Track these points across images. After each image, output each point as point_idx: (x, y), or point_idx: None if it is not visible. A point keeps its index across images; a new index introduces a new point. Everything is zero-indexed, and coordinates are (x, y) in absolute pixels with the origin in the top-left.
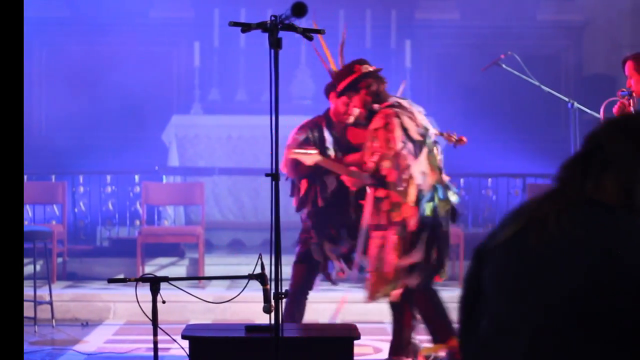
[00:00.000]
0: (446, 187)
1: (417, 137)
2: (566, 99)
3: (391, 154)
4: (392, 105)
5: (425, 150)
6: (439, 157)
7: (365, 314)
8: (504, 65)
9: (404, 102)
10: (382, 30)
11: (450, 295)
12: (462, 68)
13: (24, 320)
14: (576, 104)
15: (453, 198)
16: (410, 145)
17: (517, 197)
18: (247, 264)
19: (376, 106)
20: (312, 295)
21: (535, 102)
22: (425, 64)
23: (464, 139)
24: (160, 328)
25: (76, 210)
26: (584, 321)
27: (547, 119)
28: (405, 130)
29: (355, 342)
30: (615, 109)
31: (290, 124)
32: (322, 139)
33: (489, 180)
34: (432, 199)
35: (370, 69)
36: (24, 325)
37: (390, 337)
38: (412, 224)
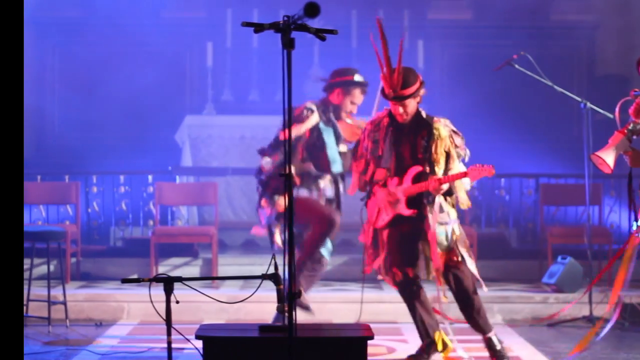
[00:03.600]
0: None
1: None
2: (579, 99)
3: None
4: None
5: None
6: None
7: (378, 314)
8: (516, 66)
9: None
10: (394, 31)
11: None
12: (474, 68)
13: (38, 320)
14: (589, 104)
15: None
16: None
17: (530, 197)
18: (260, 264)
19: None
20: (326, 295)
21: (548, 102)
22: (438, 64)
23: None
24: (174, 328)
25: (90, 210)
26: None
27: (560, 119)
28: None
29: (369, 342)
30: (631, 110)
31: None
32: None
33: (502, 180)
34: None
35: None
36: (37, 325)
37: (403, 337)
38: None
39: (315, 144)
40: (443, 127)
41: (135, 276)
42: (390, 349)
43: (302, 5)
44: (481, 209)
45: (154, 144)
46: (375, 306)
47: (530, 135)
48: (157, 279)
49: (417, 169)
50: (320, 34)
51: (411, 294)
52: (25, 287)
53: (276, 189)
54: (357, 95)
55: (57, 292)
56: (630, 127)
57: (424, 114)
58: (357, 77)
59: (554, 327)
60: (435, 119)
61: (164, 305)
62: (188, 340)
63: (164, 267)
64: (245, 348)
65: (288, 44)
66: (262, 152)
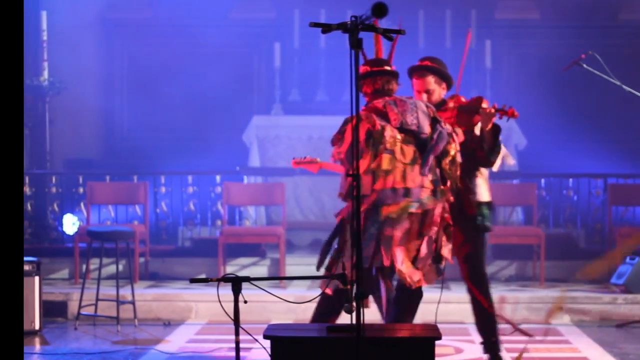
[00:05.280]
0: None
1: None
2: None
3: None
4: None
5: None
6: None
7: (446, 314)
8: (584, 65)
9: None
10: (462, 31)
11: (531, 296)
12: (542, 68)
13: (107, 320)
14: None
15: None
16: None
17: (598, 197)
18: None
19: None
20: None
21: (616, 102)
22: (506, 64)
23: (516, 113)
24: (242, 328)
25: (158, 210)
26: None
27: (629, 119)
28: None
29: (436, 342)
30: None
31: None
32: None
33: (570, 180)
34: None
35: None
36: (106, 324)
37: (470, 337)
38: None
39: None
40: None
41: (203, 276)
42: (457, 349)
43: (370, 5)
44: (549, 209)
45: (222, 144)
46: (442, 306)
47: (599, 135)
48: (225, 279)
49: None
50: (387, 34)
51: None
52: (95, 286)
53: None
54: None
55: (125, 292)
56: None
57: None
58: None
59: (623, 328)
60: None
61: (231, 305)
62: (256, 340)
63: (232, 267)
64: (313, 348)
65: (356, 44)
66: None
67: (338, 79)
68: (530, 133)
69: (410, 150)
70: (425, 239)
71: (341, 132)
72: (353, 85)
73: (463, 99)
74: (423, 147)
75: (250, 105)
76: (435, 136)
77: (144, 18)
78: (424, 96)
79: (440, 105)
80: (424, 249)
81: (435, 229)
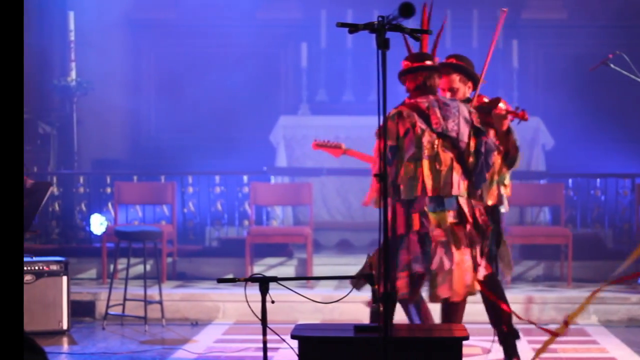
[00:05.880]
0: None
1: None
2: None
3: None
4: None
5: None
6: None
7: (473, 315)
8: (612, 65)
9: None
10: (489, 30)
11: (559, 296)
12: (569, 68)
13: (135, 320)
14: None
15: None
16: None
17: (626, 197)
18: (355, 264)
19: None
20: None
21: None
22: (533, 64)
23: (526, 116)
24: (269, 328)
25: (185, 210)
26: None
27: None
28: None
29: (464, 342)
30: None
31: None
32: None
33: (598, 180)
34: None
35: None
36: (133, 324)
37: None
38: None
39: None
40: None
41: (230, 276)
42: (485, 350)
43: (397, 5)
44: (576, 210)
45: (249, 144)
46: (470, 307)
47: (626, 134)
48: (253, 279)
49: None
50: (414, 34)
51: None
52: (122, 286)
53: None
54: None
55: (153, 292)
56: None
57: None
58: None
59: None
60: None
61: (259, 305)
62: (284, 340)
63: (259, 267)
64: (340, 348)
65: (383, 44)
66: None
67: (365, 79)
68: (557, 133)
69: (447, 157)
70: (463, 249)
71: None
72: (380, 85)
73: (485, 99)
74: (461, 153)
75: (277, 105)
76: (483, 150)
77: (171, 18)
78: (448, 94)
79: (466, 102)
80: (465, 259)
81: (474, 239)
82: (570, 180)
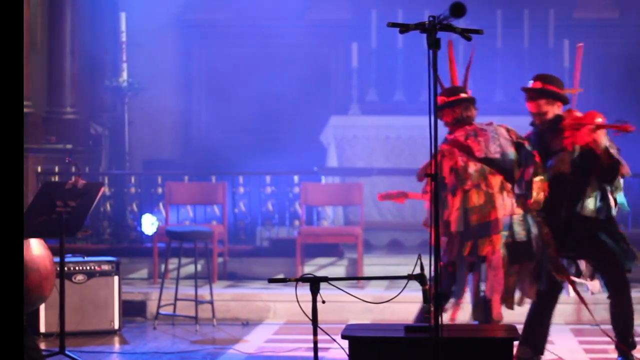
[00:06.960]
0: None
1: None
2: None
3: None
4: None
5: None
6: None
7: (523, 315)
8: None
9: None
10: (540, 30)
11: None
12: (622, 68)
13: (186, 319)
14: None
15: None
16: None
17: None
18: (405, 264)
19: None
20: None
21: None
22: (585, 64)
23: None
24: (320, 328)
25: (236, 210)
26: None
27: None
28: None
29: (515, 342)
30: None
31: None
32: None
33: None
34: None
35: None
36: (184, 324)
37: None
38: None
39: None
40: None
41: (281, 276)
42: None
43: (448, 5)
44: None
45: (299, 144)
46: (518, 307)
47: None
48: (304, 279)
49: None
50: (466, 34)
51: None
52: (173, 286)
53: None
54: None
55: (204, 292)
56: None
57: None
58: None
59: None
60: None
61: (309, 305)
62: (334, 340)
63: (310, 267)
64: (391, 348)
65: (434, 44)
66: None
67: (415, 79)
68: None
69: (497, 179)
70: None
71: (425, 168)
72: (431, 85)
73: (578, 114)
74: (509, 172)
75: (327, 106)
76: (523, 161)
77: (220, 19)
78: (538, 117)
79: (557, 121)
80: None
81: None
82: (621, 181)
